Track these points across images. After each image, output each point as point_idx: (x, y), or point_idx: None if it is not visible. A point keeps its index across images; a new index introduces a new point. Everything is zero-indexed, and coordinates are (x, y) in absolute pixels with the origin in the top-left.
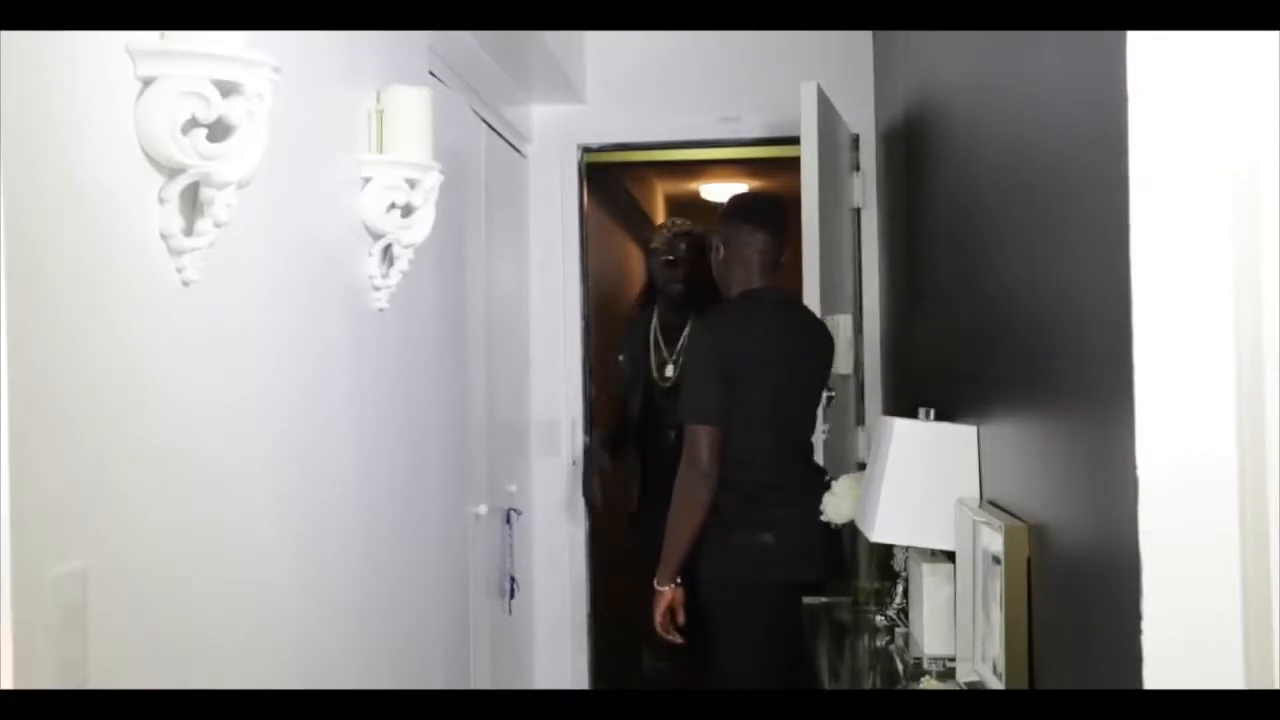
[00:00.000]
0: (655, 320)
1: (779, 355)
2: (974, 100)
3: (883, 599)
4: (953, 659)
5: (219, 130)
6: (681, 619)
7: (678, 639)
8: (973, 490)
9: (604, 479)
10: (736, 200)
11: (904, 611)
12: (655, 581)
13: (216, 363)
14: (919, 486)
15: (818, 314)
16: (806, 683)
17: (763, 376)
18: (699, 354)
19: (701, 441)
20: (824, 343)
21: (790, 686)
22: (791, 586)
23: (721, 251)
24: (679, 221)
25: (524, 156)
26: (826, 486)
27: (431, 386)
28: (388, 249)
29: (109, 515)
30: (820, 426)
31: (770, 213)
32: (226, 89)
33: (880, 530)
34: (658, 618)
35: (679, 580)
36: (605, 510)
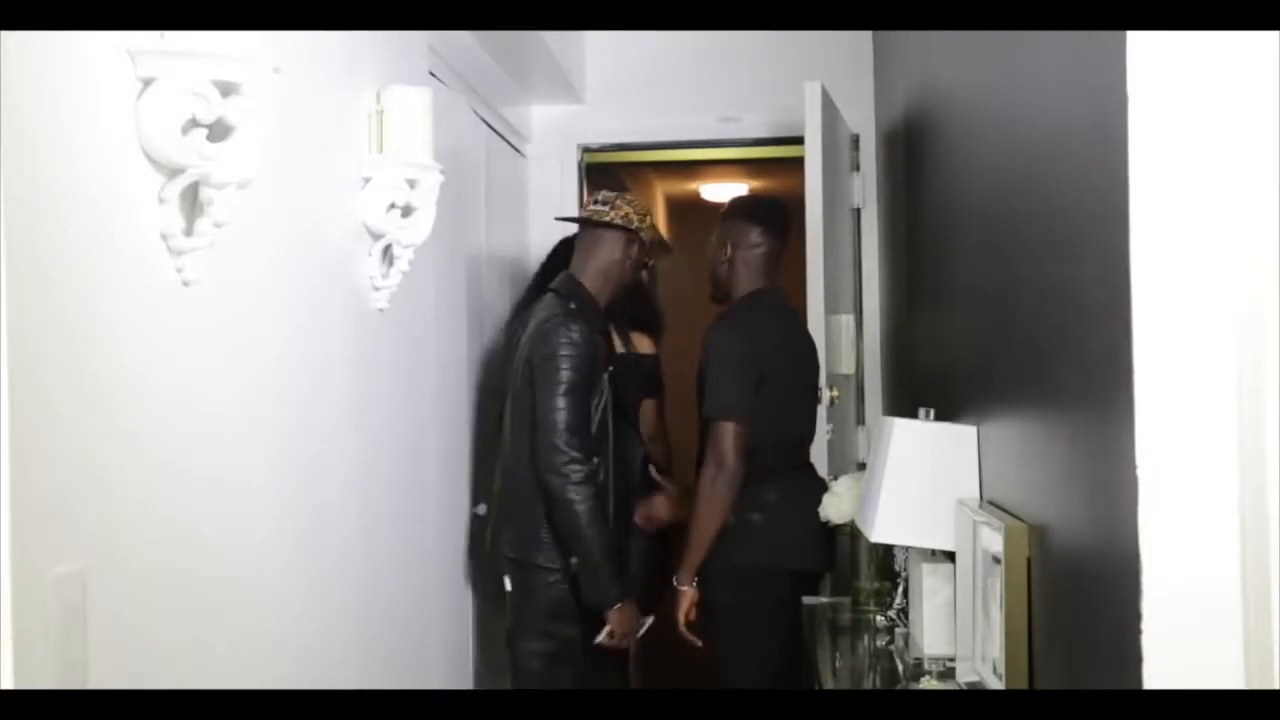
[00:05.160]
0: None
1: (796, 356)
2: (974, 100)
3: (883, 599)
4: (953, 659)
5: (219, 130)
6: (693, 616)
7: (698, 641)
8: (973, 490)
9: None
10: (743, 201)
11: (904, 611)
12: (675, 580)
13: (216, 363)
14: (919, 486)
15: (820, 314)
16: (805, 681)
17: (783, 377)
18: (728, 350)
19: (729, 438)
20: (814, 347)
21: (790, 683)
22: (788, 576)
23: (729, 251)
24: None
25: (524, 156)
26: (823, 486)
27: (431, 386)
28: (388, 249)
29: (109, 515)
30: (823, 426)
31: (777, 216)
32: (226, 89)
33: (880, 530)
34: (680, 618)
35: (697, 578)
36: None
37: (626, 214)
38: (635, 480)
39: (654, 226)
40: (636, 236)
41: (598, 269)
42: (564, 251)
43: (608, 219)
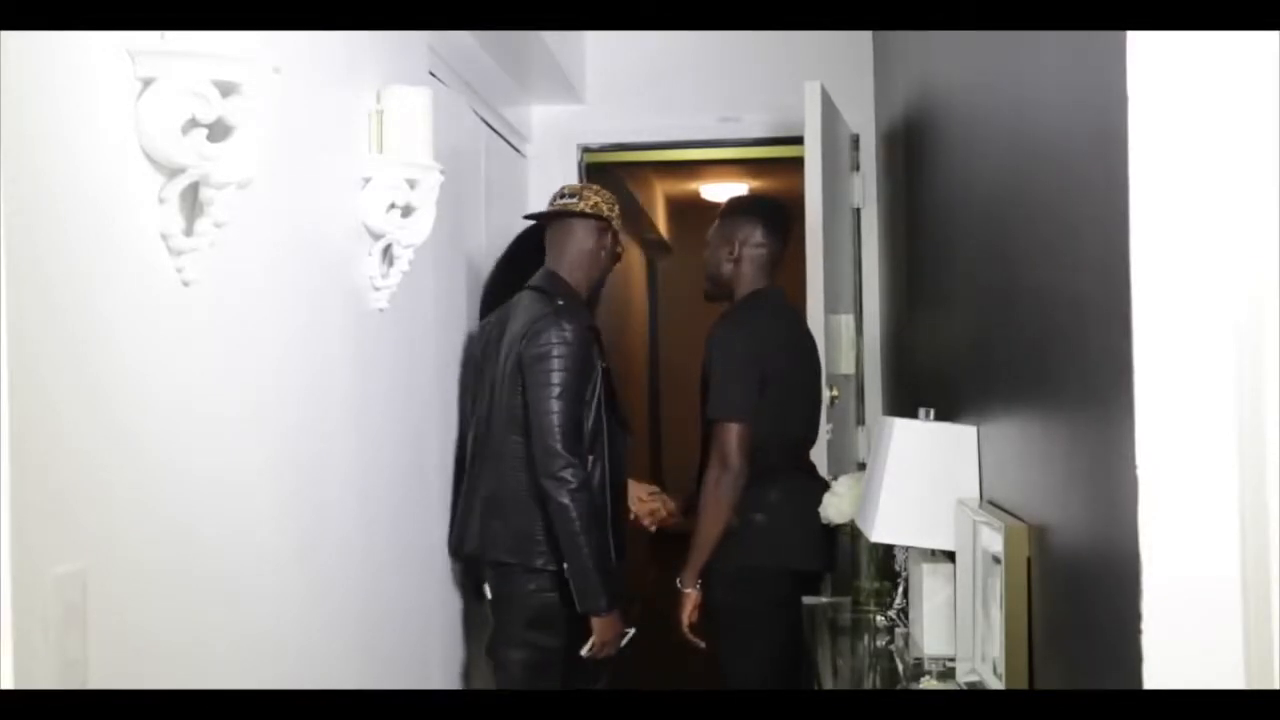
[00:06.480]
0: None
1: (799, 356)
2: (974, 100)
3: (883, 599)
4: (953, 659)
5: (219, 130)
6: (696, 618)
7: (701, 643)
8: (973, 490)
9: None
10: (748, 200)
11: (904, 611)
12: (679, 582)
13: (216, 363)
14: (919, 486)
15: (820, 314)
16: (805, 681)
17: (786, 377)
18: (732, 351)
19: (733, 438)
20: (815, 347)
21: (790, 683)
22: (789, 577)
23: (736, 249)
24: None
25: (524, 156)
26: (824, 486)
27: (431, 386)
28: (388, 249)
29: (109, 515)
30: (823, 426)
31: (781, 216)
32: (226, 89)
33: (880, 530)
34: (684, 620)
35: (700, 580)
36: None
37: (595, 203)
38: (625, 477)
39: (622, 215)
40: (609, 225)
41: (575, 261)
42: (529, 240)
43: (578, 210)
